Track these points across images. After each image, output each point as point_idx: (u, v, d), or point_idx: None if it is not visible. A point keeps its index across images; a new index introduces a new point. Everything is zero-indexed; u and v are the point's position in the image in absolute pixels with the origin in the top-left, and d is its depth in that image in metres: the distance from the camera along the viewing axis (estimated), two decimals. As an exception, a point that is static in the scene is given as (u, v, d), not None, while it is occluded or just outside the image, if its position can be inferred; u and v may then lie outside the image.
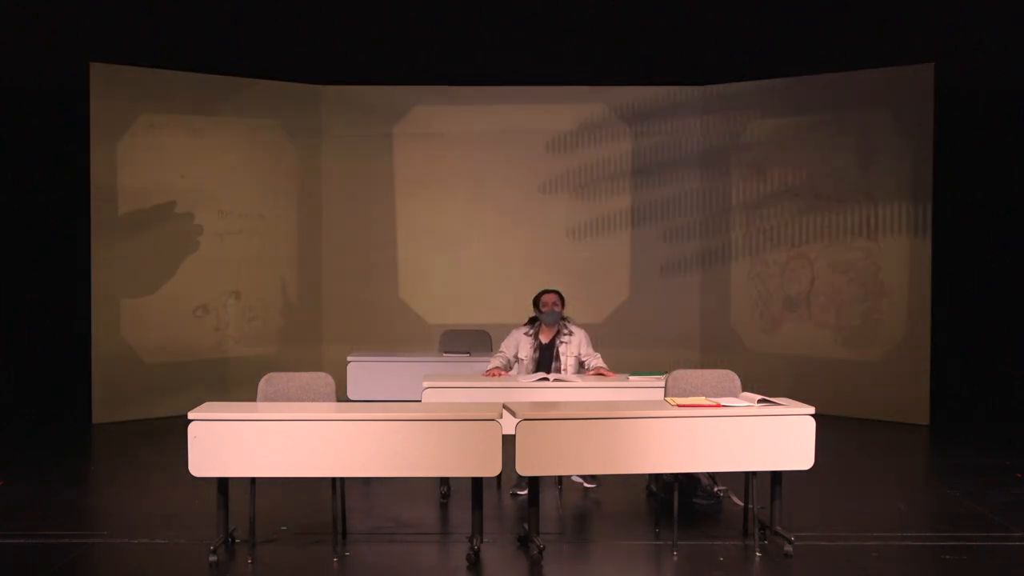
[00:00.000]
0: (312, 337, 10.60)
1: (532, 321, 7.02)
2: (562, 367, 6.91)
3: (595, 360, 6.91)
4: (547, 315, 6.90)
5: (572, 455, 5.36)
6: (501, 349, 6.98)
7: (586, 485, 6.77)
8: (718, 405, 5.52)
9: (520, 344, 6.94)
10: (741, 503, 6.04)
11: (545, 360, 6.93)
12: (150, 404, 9.54)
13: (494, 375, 6.73)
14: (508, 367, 6.90)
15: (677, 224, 10.78)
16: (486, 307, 10.62)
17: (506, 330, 7.15)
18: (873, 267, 9.74)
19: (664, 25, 10.17)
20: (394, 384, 8.11)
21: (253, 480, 5.42)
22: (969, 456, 8.12)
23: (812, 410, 5.48)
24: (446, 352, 8.47)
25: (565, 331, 6.95)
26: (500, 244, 10.81)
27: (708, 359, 10.45)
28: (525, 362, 6.91)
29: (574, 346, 6.92)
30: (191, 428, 5.22)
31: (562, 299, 6.96)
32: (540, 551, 5.36)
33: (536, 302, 6.99)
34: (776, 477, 5.59)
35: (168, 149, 9.78)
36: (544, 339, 6.96)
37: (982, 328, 10.20)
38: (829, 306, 9.99)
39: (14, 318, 10.30)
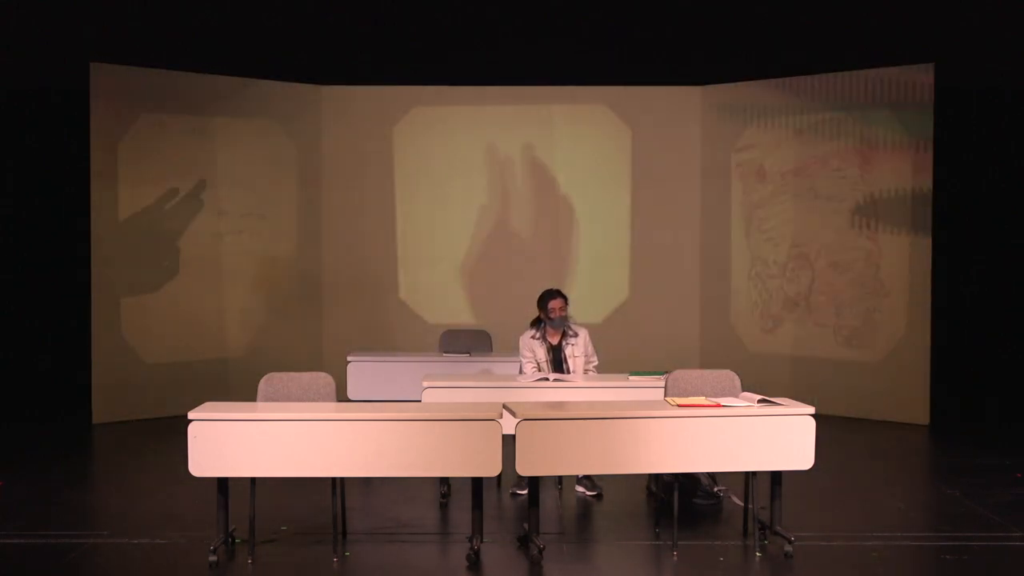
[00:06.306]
0: (312, 337, 10.59)
1: (536, 322, 7.03)
2: (570, 368, 6.96)
3: (590, 366, 7.01)
4: (555, 321, 6.93)
5: (572, 455, 5.36)
6: (526, 356, 6.97)
7: (588, 494, 6.76)
8: (718, 405, 5.52)
9: (534, 348, 6.97)
10: (741, 503, 6.04)
11: (556, 361, 6.98)
12: (150, 404, 9.53)
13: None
14: (541, 369, 6.95)
15: (677, 224, 10.77)
16: (486, 307, 10.63)
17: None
18: (873, 267, 9.73)
19: (664, 25, 10.16)
20: (394, 384, 8.11)
21: (253, 480, 5.42)
22: (969, 456, 8.12)
23: (812, 410, 5.48)
24: (446, 352, 8.47)
25: (570, 332, 7.00)
26: (500, 244, 10.80)
27: (708, 359, 10.45)
28: (542, 365, 6.94)
29: (579, 346, 6.98)
30: (191, 428, 5.22)
31: (566, 300, 6.98)
32: (540, 551, 5.36)
33: (542, 305, 6.96)
34: (776, 477, 5.59)
35: (168, 149, 9.78)
36: (552, 340, 7.00)
37: (982, 328, 10.20)
38: (829, 306, 9.98)
39: (14, 318, 10.30)
